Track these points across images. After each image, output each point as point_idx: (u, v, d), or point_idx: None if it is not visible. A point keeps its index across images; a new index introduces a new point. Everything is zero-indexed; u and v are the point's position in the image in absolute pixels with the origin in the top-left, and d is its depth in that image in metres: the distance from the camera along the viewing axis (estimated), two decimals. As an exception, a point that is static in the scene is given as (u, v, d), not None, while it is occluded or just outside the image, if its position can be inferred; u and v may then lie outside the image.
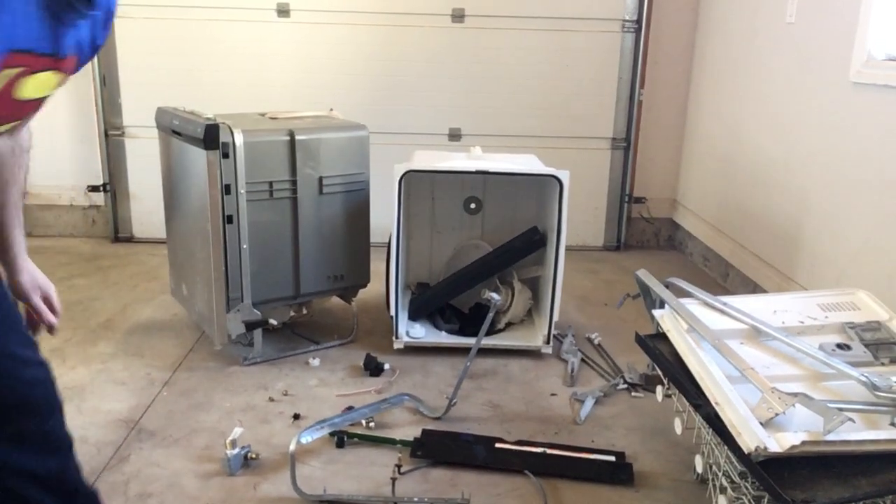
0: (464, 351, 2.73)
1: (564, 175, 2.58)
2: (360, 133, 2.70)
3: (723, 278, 3.54)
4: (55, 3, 0.95)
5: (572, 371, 2.59)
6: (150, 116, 2.83)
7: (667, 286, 2.01)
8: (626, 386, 2.51)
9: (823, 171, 2.76)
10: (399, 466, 1.95)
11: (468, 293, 2.98)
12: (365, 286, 2.85)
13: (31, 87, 1.00)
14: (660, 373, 1.97)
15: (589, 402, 2.37)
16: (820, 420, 1.48)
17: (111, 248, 3.97)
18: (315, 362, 2.63)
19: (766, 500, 1.48)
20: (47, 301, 1.47)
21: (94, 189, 4.05)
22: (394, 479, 1.89)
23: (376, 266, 2.83)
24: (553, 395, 2.48)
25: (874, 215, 2.45)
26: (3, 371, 1.25)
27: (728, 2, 3.65)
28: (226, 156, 2.40)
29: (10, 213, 1.34)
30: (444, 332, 2.84)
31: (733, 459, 1.56)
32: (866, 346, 1.83)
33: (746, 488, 1.55)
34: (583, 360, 2.72)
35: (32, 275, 1.42)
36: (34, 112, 1.09)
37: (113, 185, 4.02)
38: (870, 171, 2.48)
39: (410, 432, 2.19)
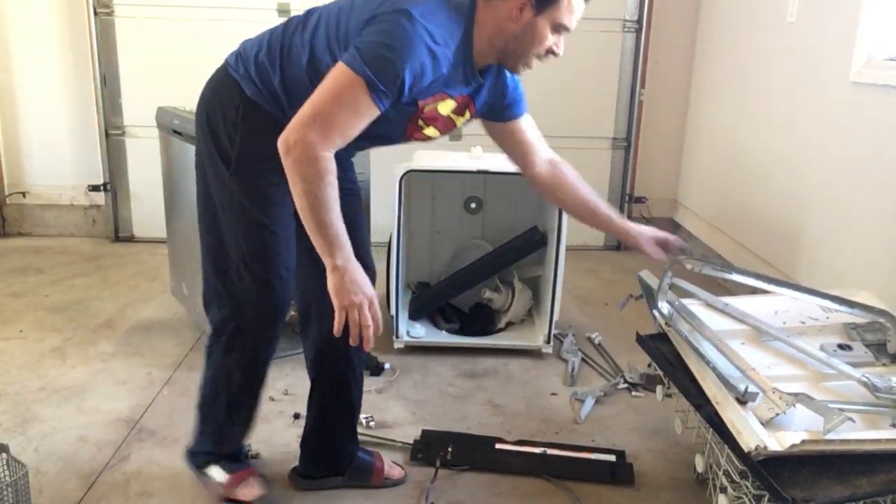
0: (464, 350, 2.74)
1: (565, 175, 2.58)
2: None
3: (723, 278, 3.53)
4: (470, 75, 1.57)
5: (573, 371, 2.59)
6: (151, 116, 2.84)
7: (670, 286, 2.01)
8: (626, 386, 2.51)
9: (824, 171, 2.76)
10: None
11: (468, 293, 2.98)
12: (365, 286, 2.85)
13: (445, 108, 1.59)
14: (660, 373, 1.97)
15: (589, 402, 2.37)
16: (820, 420, 1.48)
17: (111, 248, 3.97)
18: (315, 362, 2.63)
19: (766, 499, 1.48)
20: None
21: (94, 189, 4.06)
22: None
23: (377, 266, 2.82)
24: (553, 394, 2.48)
25: (875, 215, 2.45)
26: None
27: (729, 2, 3.65)
28: (226, 155, 2.39)
29: (595, 200, 1.84)
30: (444, 332, 2.84)
31: (733, 458, 1.56)
32: (867, 346, 1.83)
33: (747, 487, 1.55)
34: (583, 359, 2.72)
35: (641, 227, 1.86)
36: (443, 126, 1.64)
37: (113, 184, 4.03)
38: (870, 170, 2.48)
39: (410, 432, 2.19)
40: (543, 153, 1.85)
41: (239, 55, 1.64)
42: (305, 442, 1.93)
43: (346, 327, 1.46)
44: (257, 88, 1.57)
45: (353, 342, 1.46)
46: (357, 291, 1.46)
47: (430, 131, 1.63)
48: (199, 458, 1.85)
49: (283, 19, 1.63)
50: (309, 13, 1.61)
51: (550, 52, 1.60)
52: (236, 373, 1.77)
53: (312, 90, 1.44)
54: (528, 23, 1.51)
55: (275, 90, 1.57)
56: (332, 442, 1.91)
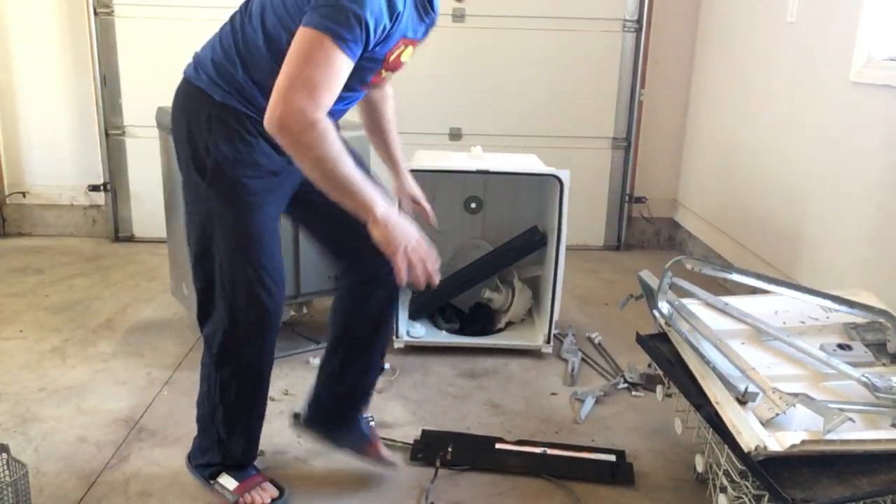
0: (464, 350, 2.74)
1: (565, 175, 2.58)
2: (360, 133, 2.68)
3: (723, 278, 3.53)
4: (422, 12, 1.58)
5: (573, 371, 2.59)
6: (151, 116, 2.83)
7: (670, 286, 2.01)
8: (626, 385, 2.51)
9: (824, 171, 2.76)
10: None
11: (468, 293, 2.98)
12: (365, 286, 2.85)
13: (406, 55, 1.61)
14: (660, 373, 1.97)
15: (589, 402, 2.37)
16: (820, 420, 1.48)
17: (112, 248, 3.97)
18: (315, 361, 2.63)
19: (766, 499, 1.48)
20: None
21: (94, 189, 4.06)
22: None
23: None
24: (553, 394, 2.48)
25: (875, 215, 2.45)
26: None
27: (729, 2, 3.65)
28: (226, 155, 2.39)
29: (395, 137, 1.94)
30: (444, 332, 2.84)
31: (733, 458, 1.56)
32: (867, 346, 1.83)
33: (747, 487, 1.55)
34: (583, 359, 2.72)
35: (411, 182, 2.02)
36: (401, 69, 1.66)
37: (113, 184, 4.03)
38: (870, 171, 2.48)
39: (410, 432, 2.19)
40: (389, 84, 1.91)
41: (196, 65, 1.63)
42: (318, 397, 1.93)
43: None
44: (224, 90, 1.56)
45: (419, 285, 1.50)
46: (405, 234, 1.49)
47: (387, 75, 1.68)
48: (207, 470, 1.84)
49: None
50: (247, 3, 1.61)
51: None
52: (232, 385, 1.74)
53: (279, 70, 1.41)
54: None
55: (241, 85, 1.55)
56: (346, 398, 1.92)
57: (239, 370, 1.73)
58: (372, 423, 2.21)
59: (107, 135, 3.94)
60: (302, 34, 1.40)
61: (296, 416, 2.23)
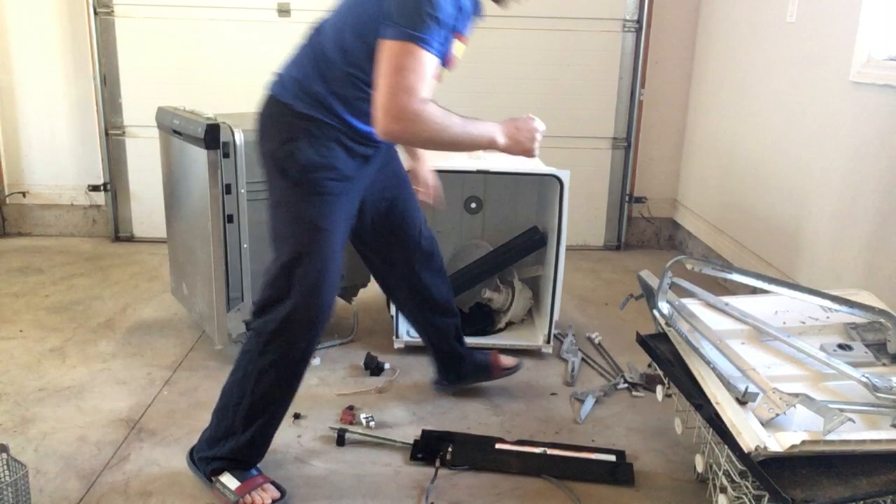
0: (464, 351, 2.73)
1: (565, 175, 2.58)
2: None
3: (723, 279, 3.53)
4: (477, 13, 1.72)
5: (573, 371, 2.59)
6: (151, 116, 2.84)
7: (670, 286, 2.01)
8: (626, 385, 2.51)
9: (824, 171, 2.76)
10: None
11: (468, 293, 2.98)
12: (365, 286, 2.85)
13: (460, 51, 1.69)
14: (660, 373, 1.97)
15: (589, 402, 2.37)
16: (820, 420, 1.48)
17: (112, 248, 3.97)
18: (315, 361, 2.63)
19: (766, 499, 1.48)
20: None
21: (94, 189, 4.06)
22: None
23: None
24: (553, 394, 2.48)
25: (875, 215, 2.45)
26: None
27: (729, 1, 3.65)
28: (226, 155, 2.40)
29: None
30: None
31: (733, 459, 1.56)
32: (867, 346, 1.83)
33: (747, 487, 1.55)
34: (583, 359, 2.72)
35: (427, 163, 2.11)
36: (455, 65, 1.74)
37: (113, 184, 4.03)
38: (871, 171, 2.48)
39: (410, 432, 2.19)
40: None
41: (280, 82, 1.76)
42: (443, 358, 2.33)
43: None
44: (306, 103, 1.69)
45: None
46: (529, 134, 1.76)
47: (444, 72, 1.75)
48: (211, 464, 1.85)
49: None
50: (321, 25, 1.75)
51: None
52: (269, 374, 1.77)
53: (356, 83, 1.65)
54: None
55: (323, 98, 1.69)
56: (455, 340, 2.29)
57: (281, 360, 1.77)
58: (372, 424, 2.22)
59: (107, 135, 3.94)
60: (388, 48, 1.53)
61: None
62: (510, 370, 2.39)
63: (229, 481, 1.81)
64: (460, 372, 2.37)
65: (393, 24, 1.52)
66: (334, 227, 1.75)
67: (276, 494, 1.83)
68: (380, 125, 1.54)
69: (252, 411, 1.80)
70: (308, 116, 1.69)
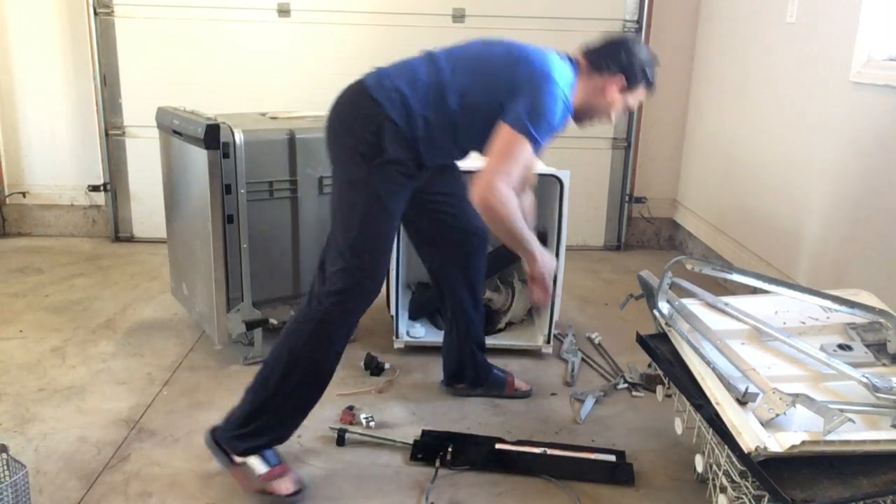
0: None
1: (565, 175, 2.58)
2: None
3: (723, 279, 3.53)
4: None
5: (573, 371, 2.59)
6: (151, 116, 2.84)
7: (670, 286, 2.01)
8: (626, 385, 2.51)
9: (824, 171, 2.76)
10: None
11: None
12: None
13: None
14: (660, 373, 1.97)
15: (589, 402, 2.37)
16: (820, 420, 1.48)
17: (111, 248, 3.97)
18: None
19: (766, 499, 1.48)
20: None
21: (94, 189, 4.06)
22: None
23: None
24: (553, 394, 2.48)
25: (875, 215, 2.45)
26: None
27: (729, 2, 3.65)
28: (226, 156, 2.40)
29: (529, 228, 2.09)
30: (444, 332, 2.84)
31: (734, 459, 1.56)
32: (867, 346, 1.83)
33: (747, 488, 1.55)
34: (583, 359, 2.72)
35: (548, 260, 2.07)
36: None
37: (113, 184, 4.03)
38: (870, 170, 2.48)
39: (410, 432, 2.19)
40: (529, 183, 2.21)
41: (380, 81, 1.87)
42: (463, 362, 2.39)
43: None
44: (399, 113, 1.84)
45: (545, 302, 2.05)
46: (551, 268, 2.00)
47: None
48: (243, 442, 1.86)
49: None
50: (449, 53, 1.91)
51: (609, 119, 2.03)
52: (323, 344, 1.87)
53: (453, 131, 1.89)
54: (614, 97, 1.95)
55: (414, 120, 1.85)
56: (479, 349, 2.40)
57: (335, 326, 1.88)
58: (372, 424, 2.22)
59: (107, 135, 3.94)
60: (508, 133, 1.80)
61: (447, 382, 2.42)
62: (522, 393, 2.45)
63: (257, 465, 1.85)
64: (476, 378, 2.42)
65: (518, 115, 1.79)
66: (396, 212, 1.93)
67: (297, 487, 1.87)
68: (477, 193, 1.80)
69: (298, 384, 1.86)
70: (398, 125, 1.84)
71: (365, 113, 1.85)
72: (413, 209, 2.08)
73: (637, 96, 1.99)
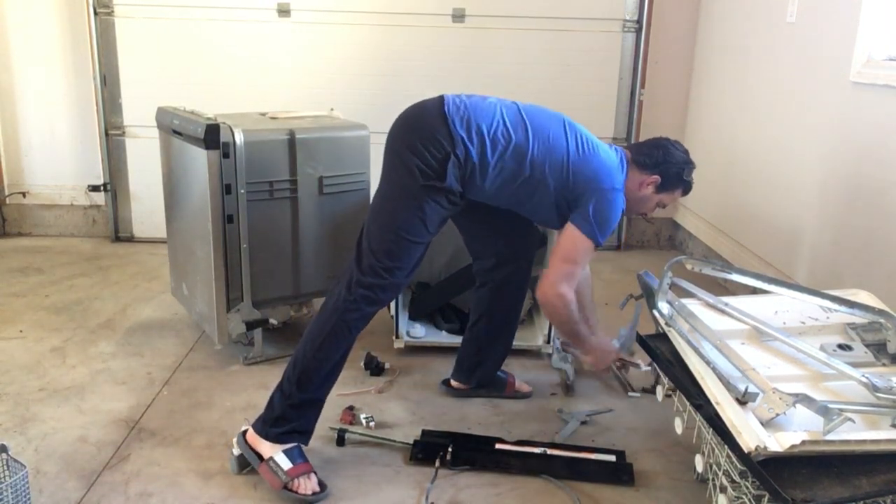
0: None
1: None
2: (360, 133, 2.71)
3: (723, 279, 3.53)
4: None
5: (568, 381, 2.54)
6: (151, 116, 2.84)
7: (670, 286, 2.01)
8: (638, 394, 2.51)
9: (824, 172, 2.76)
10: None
11: (468, 293, 2.97)
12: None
13: None
14: (660, 372, 1.97)
15: (573, 425, 2.28)
16: (820, 420, 1.48)
17: (111, 248, 3.97)
18: (315, 362, 2.63)
19: (766, 499, 1.48)
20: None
21: (94, 189, 4.06)
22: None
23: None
24: (553, 394, 2.48)
25: (874, 215, 2.45)
26: None
27: (729, 1, 3.65)
28: (226, 155, 2.40)
29: (591, 316, 2.39)
30: (444, 332, 2.84)
31: (733, 459, 1.56)
32: (867, 346, 1.83)
33: (747, 487, 1.55)
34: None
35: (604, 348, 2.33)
36: None
37: (113, 184, 4.03)
38: (870, 170, 2.48)
39: (410, 432, 2.19)
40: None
41: (463, 118, 1.96)
42: (477, 363, 2.40)
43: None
44: (467, 152, 1.94)
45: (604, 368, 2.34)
46: (609, 355, 2.28)
47: None
48: (276, 425, 1.93)
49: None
50: (529, 118, 2.04)
51: (644, 214, 2.24)
52: (352, 328, 1.97)
53: (513, 196, 2.04)
54: (648, 194, 2.16)
55: (475, 166, 1.96)
56: (492, 361, 2.41)
57: (361, 314, 1.98)
58: (372, 424, 2.22)
59: (107, 135, 3.94)
60: (575, 234, 2.01)
61: (448, 382, 2.45)
62: (523, 394, 2.47)
63: (283, 462, 1.89)
64: (482, 380, 2.44)
65: (588, 220, 1.99)
66: (433, 231, 2.01)
67: (318, 488, 1.90)
68: (542, 292, 2.05)
69: (331, 362, 1.97)
70: (457, 158, 1.94)
71: (439, 140, 1.94)
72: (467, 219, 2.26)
73: (672, 196, 2.20)
